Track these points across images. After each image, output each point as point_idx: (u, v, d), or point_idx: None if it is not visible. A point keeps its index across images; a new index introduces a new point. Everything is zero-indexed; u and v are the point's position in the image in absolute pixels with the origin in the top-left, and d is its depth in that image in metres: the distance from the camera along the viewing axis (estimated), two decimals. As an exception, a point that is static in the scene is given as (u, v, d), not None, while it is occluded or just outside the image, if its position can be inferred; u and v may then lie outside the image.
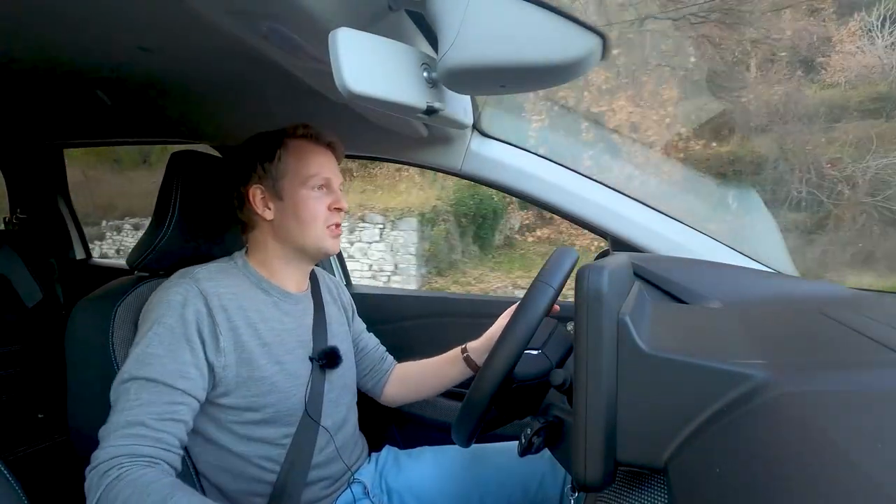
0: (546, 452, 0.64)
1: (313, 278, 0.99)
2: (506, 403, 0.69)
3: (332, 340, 0.93)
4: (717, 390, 0.39)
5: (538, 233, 6.95)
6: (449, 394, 1.07)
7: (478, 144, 1.11)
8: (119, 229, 7.76)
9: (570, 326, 0.80)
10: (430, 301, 1.40)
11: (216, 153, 1.41)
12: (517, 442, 0.62)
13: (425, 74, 0.61)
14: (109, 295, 0.87)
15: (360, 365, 1.03)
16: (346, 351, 0.95)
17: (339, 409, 0.92)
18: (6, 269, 1.60)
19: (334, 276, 1.33)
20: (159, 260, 0.91)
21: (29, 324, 1.63)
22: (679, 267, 0.75)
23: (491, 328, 0.95)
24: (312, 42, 0.62)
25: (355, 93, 0.52)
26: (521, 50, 0.52)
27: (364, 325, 1.10)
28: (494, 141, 1.12)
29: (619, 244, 1.05)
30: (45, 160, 1.90)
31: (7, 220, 1.93)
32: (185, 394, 0.71)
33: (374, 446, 1.03)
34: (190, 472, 0.81)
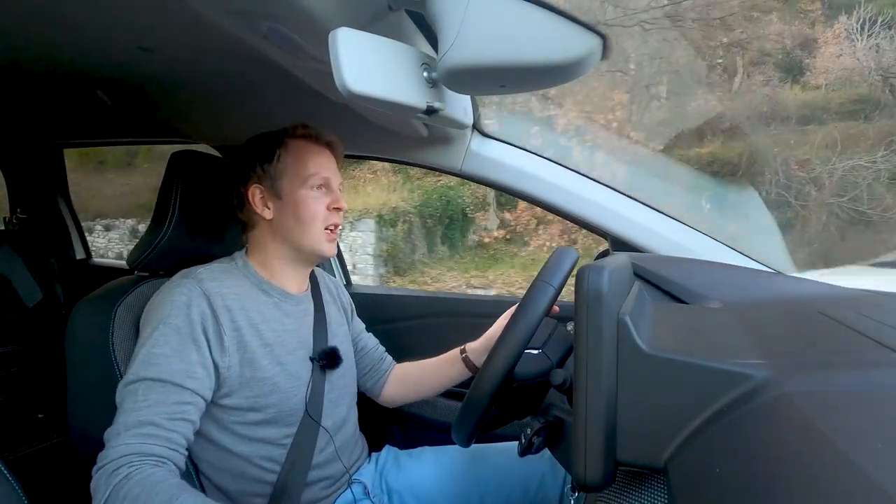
0: (546, 452, 0.64)
1: (313, 279, 0.99)
2: (506, 403, 0.69)
3: (333, 341, 0.94)
4: (717, 390, 0.39)
5: (495, 233, 7.02)
6: (449, 394, 1.07)
7: (478, 144, 1.11)
8: (90, 230, 7.81)
9: (570, 326, 0.80)
10: (430, 301, 1.40)
11: (216, 153, 1.41)
12: (517, 442, 0.62)
13: (425, 74, 0.61)
14: (109, 295, 0.87)
15: (359, 365, 1.03)
16: (345, 351, 0.95)
17: (340, 409, 0.92)
18: (6, 269, 1.60)
19: (334, 276, 1.33)
20: (159, 260, 0.91)
21: (29, 324, 1.63)
22: (679, 267, 0.75)
23: (490, 329, 0.95)
24: (312, 42, 0.63)
25: (355, 93, 0.52)
26: (521, 50, 0.52)
27: (363, 325, 1.10)
28: (494, 141, 1.12)
29: (619, 244, 1.05)
30: (45, 160, 1.90)
31: (7, 220, 1.93)
32: (193, 393, 0.72)
33: (374, 446, 1.03)
34: (191, 472, 0.81)
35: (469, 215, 7.08)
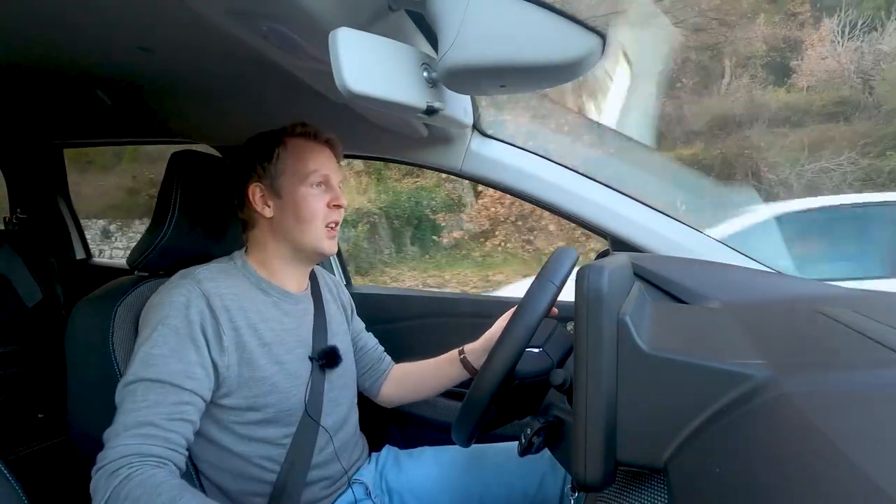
0: (546, 452, 0.64)
1: (313, 277, 0.99)
2: (506, 402, 0.69)
3: (332, 340, 0.93)
4: (717, 390, 0.39)
5: (454, 234, 7.15)
6: (449, 394, 1.07)
7: (478, 144, 1.11)
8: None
9: (569, 326, 0.80)
10: (430, 301, 1.40)
11: (216, 153, 1.41)
12: (517, 442, 0.62)
13: (425, 74, 0.61)
14: (109, 295, 0.87)
15: (357, 364, 1.03)
16: (345, 350, 0.95)
17: (340, 408, 0.92)
18: (6, 269, 1.60)
19: (334, 275, 1.33)
20: (159, 260, 0.91)
21: (29, 324, 1.63)
22: (679, 267, 0.75)
23: (489, 330, 0.95)
24: (312, 42, 0.63)
25: (355, 92, 0.52)
26: (521, 50, 0.52)
27: (363, 325, 1.10)
28: (494, 141, 1.12)
29: (619, 244, 1.05)
30: (45, 160, 1.90)
31: (7, 220, 1.93)
32: (192, 394, 0.71)
33: (374, 446, 1.03)
34: (191, 472, 0.81)
35: (431, 216, 7.20)
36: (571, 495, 0.68)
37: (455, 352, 0.98)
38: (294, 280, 0.91)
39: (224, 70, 0.98)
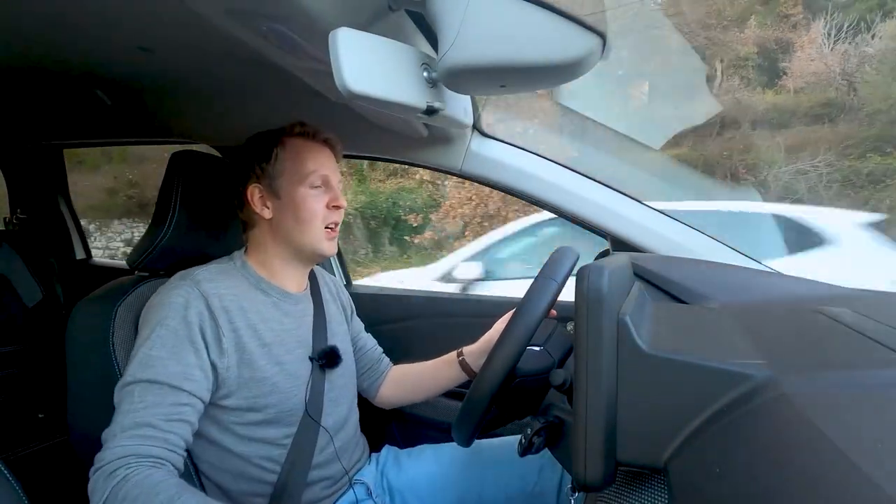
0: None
1: (313, 277, 0.99)
2: (507, 402, 0.69)
3: (332, 340, 0.93)
4: (717, 390, 0.39)
5: (426, 234, 7.35)
6: (449, 393, 1.07)
7: (478, 144, 1.11)
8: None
9: (569, 326, 0.80)
10: (430, 301, 1.40)
11: (216, 153, 1.41)
12: (515, 437, 0.62)
13: (425, 74, 0.61)
14: (109, 295, 0.87)
15: (356, 365, 1.03)
16: (345, 350, 0.95)
17: (340, 408, 0.92)
18: (6, 269, 1.60)
19: (334, 275, 1.33)
20: (160, 260, 0.91)
21: (29, 324, 1.63)
22: (679, 267, 0.75)
23: (488, 333, 0.95)
24: (312, 42, 0.63)
25: (355, 93, 0.52)
26: (521, 50, 0.52)
27: (362, 325, 1.10)
28: (494, 141, 1.12)
29: (619, 244, 1.05)
30: (45, 160, 1.90)
31: (7, 220, 1.93)
32: (190, 395, 0.71)
33: (374, 446, 1.03)
34: (191, 473, 0.81)
35: (403, 217, 7.36)
36: (571, 495, 0.68)
37: (453, 354, 0.98)
38: (294, 280, 0.91)
39: (224, 70, 0.98)
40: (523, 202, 1.09)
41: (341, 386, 0.93)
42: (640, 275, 0.72)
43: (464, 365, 0.96)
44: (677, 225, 1.05)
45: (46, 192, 1.94)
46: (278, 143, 0.86)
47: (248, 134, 0.90)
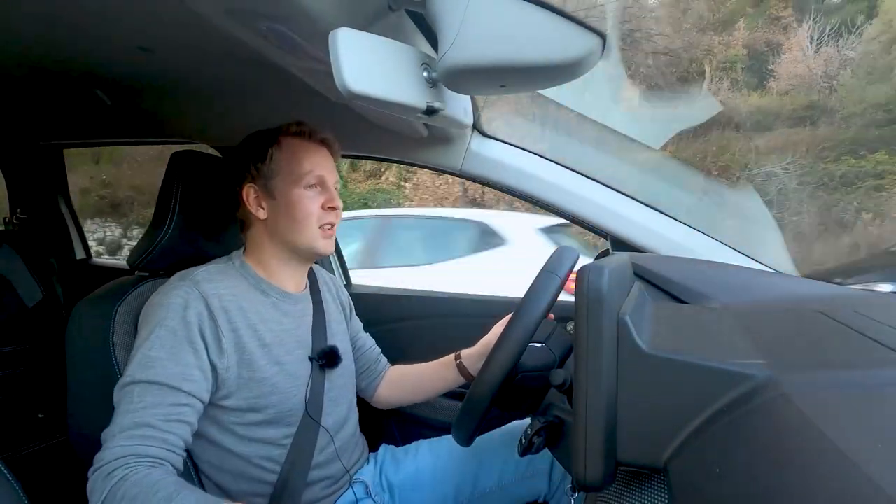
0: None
1: (312, 277, 0.98)
2: (507, 399, 0.69)
3: (332, 340, 0.93)
4: (717, 390, 0.39)
5: None
6: (449, 393, 1.07)
7: (478, 144, 1.11)
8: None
9: (569, 327, 0.80)
10: (429, 301, 1.40)
11: (216, 153, 1.41)
12: (508, 426, 0.62)
13: (425, 74, 0.61)
14: (110, 295, 0.87)
15: (355, 364, 1.03)
16: (345, 350, 0.95)
17: (340, 408, 0.92)
18: (6, 269, 1.60)
19: (334, 275, 1.33)
20: (160, 260, 0.91)
21: (29, 324, 1.63)
22: (679, 267, 0.75)
23: (486, 336, 0.95)
24: (312, 42, 0.63)
25: (355, 93, 0.52)
26: (521, 50, 0.52)
27: (361, 325, 1.10)
28: (494, 141, 1.12)
29: (619, 244, 1.05)
30: (45, 160, 1.90)
31: (7, 220, 1.93)
32: (189, 395, 0.71)
33: (373, 445, 1.03)
34: (191, 473, 0.81)
35: None
36: (571, 495, 0.68)
37: (451, 356, 0.98)
38: (292, 280, 0.91)
39: (224, 70, 0.98)
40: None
41: (341, 386, 0.93)
42: (640, 275, 0.72)
43: (461, 368, 0.96)
44: (677, 225, 1.05)
45: (46, 192, 1.94)
46: (274, 142, 0.85)
47: (247, 134, 0.90)
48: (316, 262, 0.99)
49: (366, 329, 1.10)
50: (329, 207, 0.86)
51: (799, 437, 0.32)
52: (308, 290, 0.95)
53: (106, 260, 2.18)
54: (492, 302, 1.33)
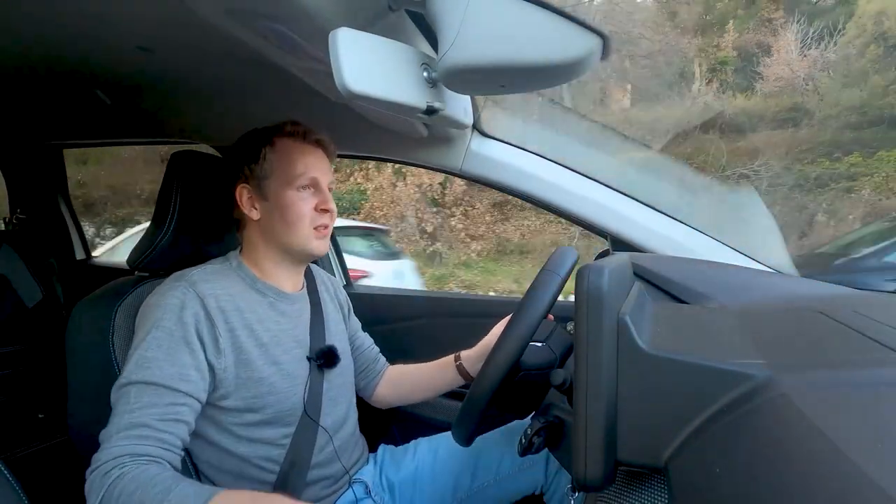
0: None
1: (310, 277, 0.98)
2: (507, 399, 0.69)
3: (330, 339, 0.93)
4: (717, 390, 0.39)
5: None
6: (448, 393, 1.07)
7: (478, 144, 1.11)
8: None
9: (569, 327, 0.80)
10: (429, 301, 1.40)
11: (216, 153, 1.41)
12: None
13: (425, 74, 0.61)
14: (110, 295, 0.87)
15: (354, 363, 1.03)
16: (343, 350, 0.95)
17: (339, 407, 0.92)
18: (6, 269, 1.60)
19: (333, 275, 1.33)
20: (160, 260, 0.91)
21: (29, 324, 1.63)
22: (679, 267, 0.75)
23: (486, 338, 0.95)
24: (312, 42, 0.63)
25: (355, 93, 0.52)
26: (521, 50, 0.52)
27: (359, 324, 1.09)
28: (494, 141, 1.12)
29: (619, 244, 1.05)
30: (45, 160, 1.90)
31: (7, 220, 1.93)
32: (186, 395, 0.71)
33: (372, 445, 1.03)
34: (190, 473, 0.81)
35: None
36: (571, 495, 0.68)
37: (451, 357, 0.98)
38: (288, 280, 0.90)
39: (224, 70, 0.98)
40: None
41: (340, 385, 0.93)
42: (640, 275, 0.72)
43: (461, 369, 0.96)
44: (677, 225, 1.05)
45: (46, 192, 1.94)
46: (267, 143, 0.85)
47: (248, 134, 0.90)
48: (315, 263, 0.99)
49: (365, 329, 1.10)
50: (322, 209, 0.85)
51: (799, 437, 0.32)
52: (305, 289, 0.95)
53: (106, 260, 2.18)
54: (492, 302, 1.33)
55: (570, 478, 0.61)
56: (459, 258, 7.81)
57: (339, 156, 1.24)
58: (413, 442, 1.02)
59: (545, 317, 0.66)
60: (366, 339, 1.08)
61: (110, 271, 1.90)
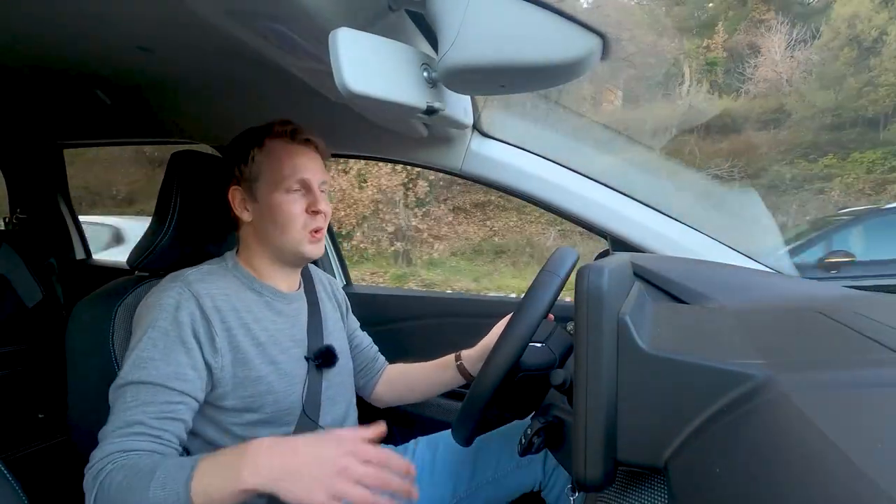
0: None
1: (307, 276, 0.98)
2: (507, 399, 0.69)
3: (329, 338, 0.93)
4: (717, 390, 0.39)
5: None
6: (448, 393, 1.07)
7: (478, 144, 1.11)
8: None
9: (569, 327, 0.80)
10: (428, 301, 1.40)
11: (216, 153, 1.41)
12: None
13: (425, 74, 0.61)
14: (109, 295, 0.87)
15: (352, 362, 1.03)
16: (342, 349, 0.95)
17: (338, 407, 0.92)
18: (6, 269, 1.60)
19: (333, 276, 1.33)
20: (160, 260, 0.91)
21: (29, 324, 1.63)
22: (679, 267, 0.75)
23: (486, 337, 0.95)
24: (312, 42, 0.63)
25: (355, 92, 0.52)
26: (521, 50, 0.52)
27: (358, 323, 1.09)
28: (494, 141, 1.12)
29: (619, 244, 1.05)
30: (45, 160, 1.90)
31: (7, 219, 1.93)
32: (182, 394, 0.71)
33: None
34: None
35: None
36: (571, 495, 0.68)
37: (451, 357, 0.98)
38: (284, 281, 0.90)
39: (224, 70, 0.98)
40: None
41: (339, 384, 0.93)
42: (640, 275, 0.72)
43: (461, 369, 0.96)
44: (677, 225, 1.05)
45: (46, 192, 1.94)
46: (257, 144, 0.84)
47: (247, 134, 0.90)
48: (314, 263, 0.99)
49: (364, 329, 1.10)
50: (313, 211, 0.84)
51: (799, 436, 0.32)
52: (302, 289, 0.95)
53: (106, 260, 2.18)
54: (492, 302, 1.33)
55: (568, 475, 0.61)
56: (423, 258, 8.05)
57: (340, 156, 1.24)
58: (412, 441, 1.02)
59: (545, 317, 0.66)
60: (364, 338, 1.08)
61: (110, 271, 1.90)
